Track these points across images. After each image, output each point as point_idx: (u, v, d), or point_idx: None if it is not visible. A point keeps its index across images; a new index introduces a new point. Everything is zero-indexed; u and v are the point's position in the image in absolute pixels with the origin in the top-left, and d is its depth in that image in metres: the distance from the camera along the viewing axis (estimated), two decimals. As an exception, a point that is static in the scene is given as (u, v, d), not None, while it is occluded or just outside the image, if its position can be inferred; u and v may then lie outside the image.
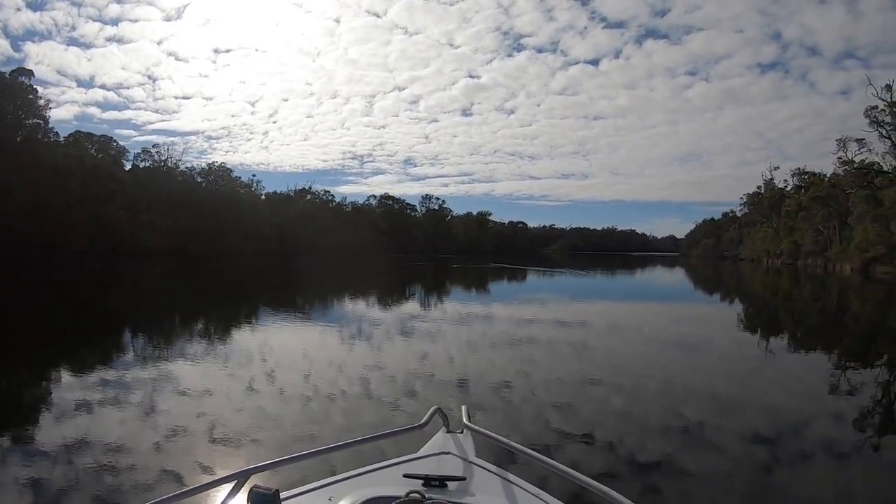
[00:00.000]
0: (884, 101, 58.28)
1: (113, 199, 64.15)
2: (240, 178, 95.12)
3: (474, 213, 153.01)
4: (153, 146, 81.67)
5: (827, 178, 70.72)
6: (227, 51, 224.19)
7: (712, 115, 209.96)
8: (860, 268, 53.92)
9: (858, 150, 63.58)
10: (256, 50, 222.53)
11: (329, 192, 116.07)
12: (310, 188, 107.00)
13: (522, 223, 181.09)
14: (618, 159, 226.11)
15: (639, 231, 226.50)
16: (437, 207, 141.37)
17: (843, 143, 64.86)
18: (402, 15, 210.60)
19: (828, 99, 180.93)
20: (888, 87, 58.27)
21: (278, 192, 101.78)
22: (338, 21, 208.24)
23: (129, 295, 24.80)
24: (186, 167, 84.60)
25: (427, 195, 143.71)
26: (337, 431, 6.18)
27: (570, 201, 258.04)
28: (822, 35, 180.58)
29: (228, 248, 74.31)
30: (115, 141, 77.59)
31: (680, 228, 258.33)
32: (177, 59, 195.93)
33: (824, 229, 67.04)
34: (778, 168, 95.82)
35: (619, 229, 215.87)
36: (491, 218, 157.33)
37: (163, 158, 79.74)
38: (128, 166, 77.09)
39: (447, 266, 57.04)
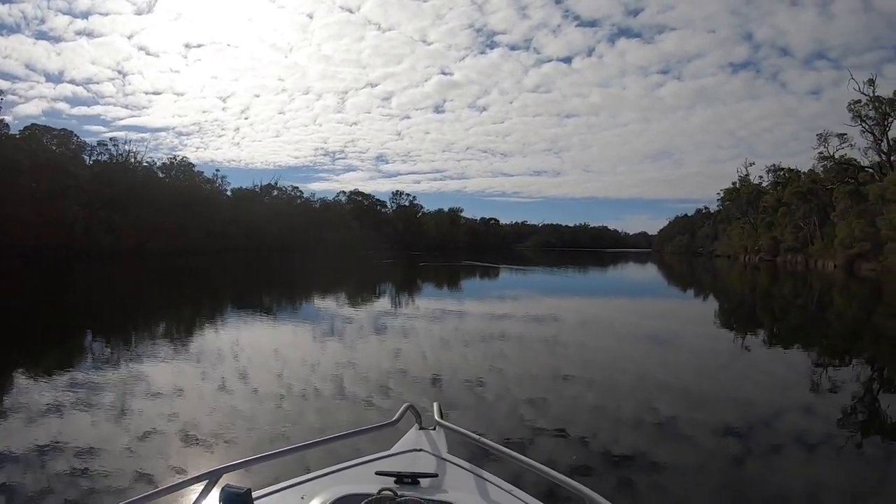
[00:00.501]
0: (866, 95, 58.21)
1: (67, 196, 61.31)
2: (202, 173, 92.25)
3: (446, 209, 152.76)
4: (110, 139, 78.66)
5: (804, 174, 70.41)
6: (199, 46, 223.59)
7: (684, 113, 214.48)
8: (844, 264, 53.51)
9: (840, 145, 63.36)
10: (228, 45, 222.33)
11: (297, 188, 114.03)
12: (276, 184, 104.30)
13: (495, 220, 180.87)
14: (590, 157, 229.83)
15: (611, 228, 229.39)
16: (407, 204, 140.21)
17: (823, 139, 64.69)
18: (375, 11, 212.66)
19: (798, 98, 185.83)
20: (870, 82, 58.11)
21: (244, 187, 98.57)
22: (311, 17, 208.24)
23: (65, 296, 23.83)
24: (147, 161, 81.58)
25: (397, 191, 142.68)
26: (307, 430, 6.15)
27: (542, 198, 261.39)
28: (793, 36, 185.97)
29: (191, 246, 71.94)
30: (76, 135, 74.62)
31: (651, 225, 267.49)
32: (147, 53, 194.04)
33: (805, 225, 66.62)
34: (753, 164, 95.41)
35: (592, 226, 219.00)
36: (463, 214, 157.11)
37: (120, 152, 76.54)
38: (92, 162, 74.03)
39: (415, 264, 55.39)
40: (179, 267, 44.72)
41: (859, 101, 58.56)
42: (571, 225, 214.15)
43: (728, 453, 5.92)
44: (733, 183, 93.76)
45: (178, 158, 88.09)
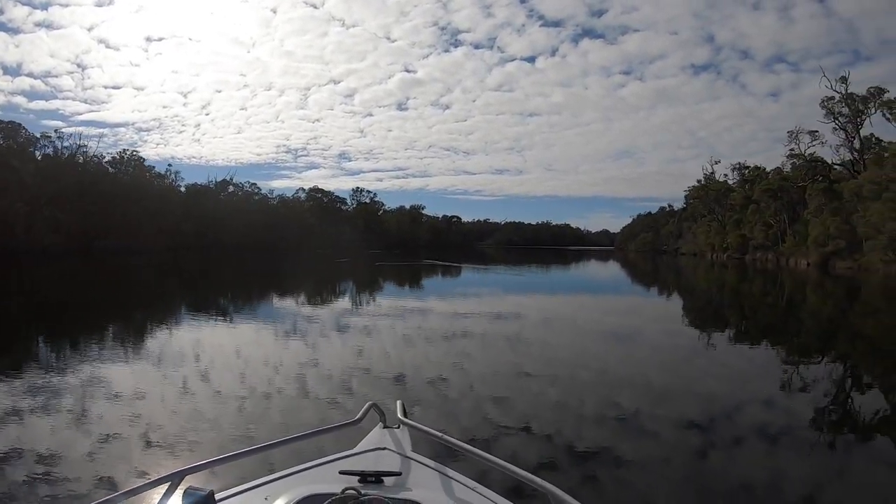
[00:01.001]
0: (839, 93, 57.63)
1: (9, 191, 57.48)
2: (154, 167, 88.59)
3: (408, 207, 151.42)
4: (55, 131, 74.47)
5: (770, 173, 70.26)
6: (160, 39, 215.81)
7: (645, 113, 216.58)
8: (818, 262, 52.64)
9: (811, 142, 62.79)
10: (190, 39, 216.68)
11: (256, 184, 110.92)
12: (231, 179, 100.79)
13: (457, 217, 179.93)
14: (552, 155, 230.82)
15: (573, 225, 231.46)
16: (368, 201, 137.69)
17: (794, 136, 63.97)
18: (339, 7, 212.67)
19: (758, 100, 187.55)
20: (843, 80, 57.62)
21: (199, 183, 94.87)
22: (274, 11, 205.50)
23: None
24: (96, 155, 77.55)
25: (358, 188, 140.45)
26: (268, 431, 5.95)
27: (504, 196, 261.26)
28: (754, 39, 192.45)
29: (142, 245, 68.51)
30: (24, 128, 70.28)
31: (613, 223, 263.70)
32: (107, 46, 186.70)
33: (775, 223, 65.63)
34: (719, 162, 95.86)
35: (554, 224, 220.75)
36: (425, 212, 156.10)
37: (66, 145, 72.54)
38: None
39: (371, 263, 52.97)
40: (123, 267, 43.00)
41: (832, 98, 58.04)
42: (534, 223, 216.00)
43: (690, 446, 6.06)
44: (698, 181, 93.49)
45: (129, 153, 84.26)
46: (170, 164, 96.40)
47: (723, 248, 77.89)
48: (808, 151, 63.24)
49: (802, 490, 5.07)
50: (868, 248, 47.01)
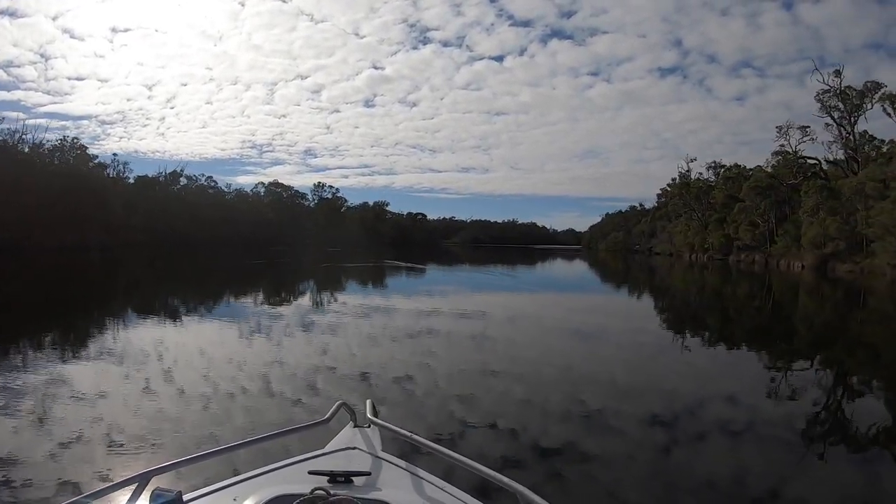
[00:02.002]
0: (832, 87, 54.54)
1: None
2: (97, 157, 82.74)
3: (371, 203, 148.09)
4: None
5: (752, 171, 66.83)
6: (126, 30, 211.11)
7: (612, 114, 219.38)
8: (815, 264, 49.41)
9: (802, 138, 59.54)
10: (156, 31, 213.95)
11: (212, 177, 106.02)
12: (182, 171, 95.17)
13: (422, 215, 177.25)
14: (518, 154, 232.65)
15: (539, 224, 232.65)
16: (330, 196, 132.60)
17: (784, 131, 60.74)
18: (309, 1, 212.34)
19: (723, 104, 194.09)
20: (837, 73, 54.57)
21: (148, 175, 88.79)
22: (243, 4, 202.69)
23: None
24: (34, 142, 72.24)
25: (319, 183, 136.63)
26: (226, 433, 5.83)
27: (470, 194, 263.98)
28: (721, 44, 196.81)
29: (83, 241, 62.71)
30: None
31: (579, 222, 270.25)
32: (72, 36, 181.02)
33: (763, 223, 62.41)
34: (695, 160, 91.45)
35: (521, 222, 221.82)
36: (389, 209, 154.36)
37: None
38: None
39: (316, 262, 48.90)
40: (50, 266, 39.44)
41: (829, 91, 54.94)
42: (500, 221, 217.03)
43: (655, 442, 6.11)
44: (674, 179, 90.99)
45: (70, 140, 77.95)
46: (115, 155, 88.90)
47: (703, 249, 75.07)
48: (799, 148, 60.24)
49: (765, 484, 5.10)
50: (879, 250, 44.05)
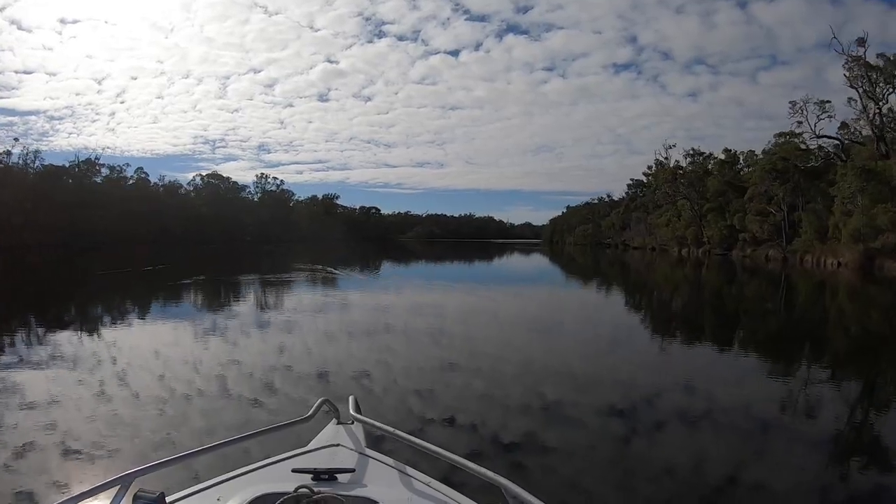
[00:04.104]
0: (855, 58, 46.37)
1: None
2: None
3: (320, 196, 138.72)
4: None
5: (760, 154, 58.19)
6: (75, 21, 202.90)
7: (566, 109, 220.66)
8: (857, 262, 39.59)
9: (821, 114, 50.62)
10: (106, 22, 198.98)
11: (142, 168, 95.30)
12: (97, 160, 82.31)
13: (376, 209, 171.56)
14: (473, 149, 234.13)
15: (496, 218, 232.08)
16: (275, 189, 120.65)
17: (800, 107, 51.43)
18: None
19: (676, 100, 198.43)
20: (861, 42, 45.88)
21: (55, 164, 76.12)
22: None
23: None
24: None
25: (262, 174, 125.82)
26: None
27: (425, 189, 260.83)
28: (675, 41, 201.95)
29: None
30: None
31: (534, 216, 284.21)
32: (20, 28, 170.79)
33: (776, 212, 53.10)
34: (674, 146, 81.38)
35: (477, 216, 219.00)
36: (341, 203, 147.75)
37: None
38: None
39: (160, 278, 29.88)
40: None
41: (859, 59, 45.79)
42: (456, 215, 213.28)
43: (615, 432, 6.24)
44: (648, 167, 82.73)
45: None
46: (16, 139, 75.79)
47: (696, 242, 65.52)
48: (818, 127, 51.21)
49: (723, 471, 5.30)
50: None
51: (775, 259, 51.77)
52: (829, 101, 51.45)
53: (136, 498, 1.88)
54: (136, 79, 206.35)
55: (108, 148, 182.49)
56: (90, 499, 2.00)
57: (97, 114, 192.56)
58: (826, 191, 48.08)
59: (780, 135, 56.62)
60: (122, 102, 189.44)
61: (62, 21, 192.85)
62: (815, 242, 46.81)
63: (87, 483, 2.17)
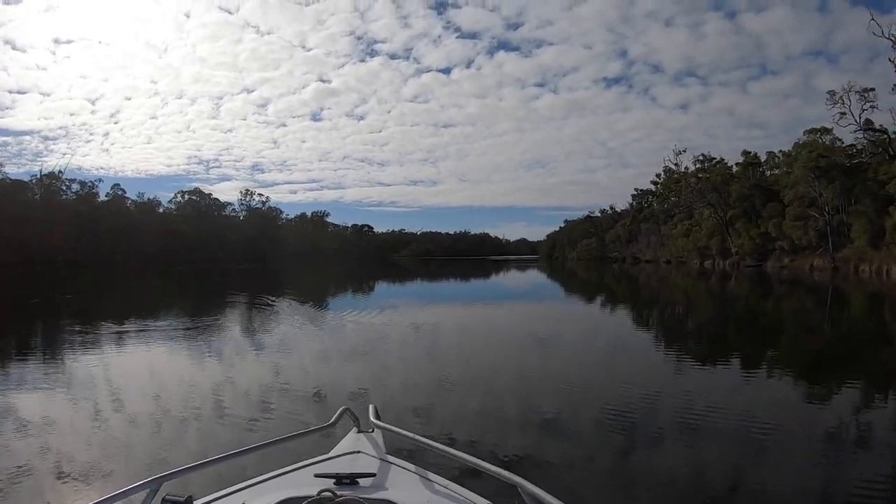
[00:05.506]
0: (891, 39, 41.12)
1: None
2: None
3: (309, 214, 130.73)
4: None
5: (790, 153, 52.15)
6: (69, 41, 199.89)
7: (558, 124, 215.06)
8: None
9: (865, 104, 44.45)
10: (100, 42, 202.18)
11: (118, 185, 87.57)
12: (61, 173, 74.91)
13: (368, 227, 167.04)
14: (466, 166, 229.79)
15: (492, 234, 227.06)
16: (261, 206, 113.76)
17: (839, 98, 45.47)
18: (255, 12, 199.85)
19: (667, 112, 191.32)
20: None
21: (11, 178, 69.06)
22: (188, 15, 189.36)
23: None
24: None
25: (247, 190, 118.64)
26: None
27: (419, 207, 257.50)
28: (665, 54, 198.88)
29: None
30: None
31: (528, 232, 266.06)
32: (14, 48, 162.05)
33: (820, 217, 46.57)
34: (685, 151, 74.08)
35: (472, 233, 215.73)
36: (333, 221, 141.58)
37: None
38: None
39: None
40: None
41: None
42: (451, 232, 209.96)
43: (616, 446, 5.93)
44: (657, 175, 76.35)
45: None
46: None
47: (722, 253, 58.70)
48: (863, 118, 45.26)
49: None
50: None
51: (822, 269, 44.82)
52: (872, 89, 45.50)
53: (164, 501, 1.91)
54: (129, 99, 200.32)
55: (101, 168, 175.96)
56: (120, 502, 1.99)
57: (91, 134, 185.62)
58: (873, 190, 42.06)
59: (811, 131, 50.49)
60: (116, 122, 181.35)
61: (56, 41, 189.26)
62: (868, 249, 40.39)
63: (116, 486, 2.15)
